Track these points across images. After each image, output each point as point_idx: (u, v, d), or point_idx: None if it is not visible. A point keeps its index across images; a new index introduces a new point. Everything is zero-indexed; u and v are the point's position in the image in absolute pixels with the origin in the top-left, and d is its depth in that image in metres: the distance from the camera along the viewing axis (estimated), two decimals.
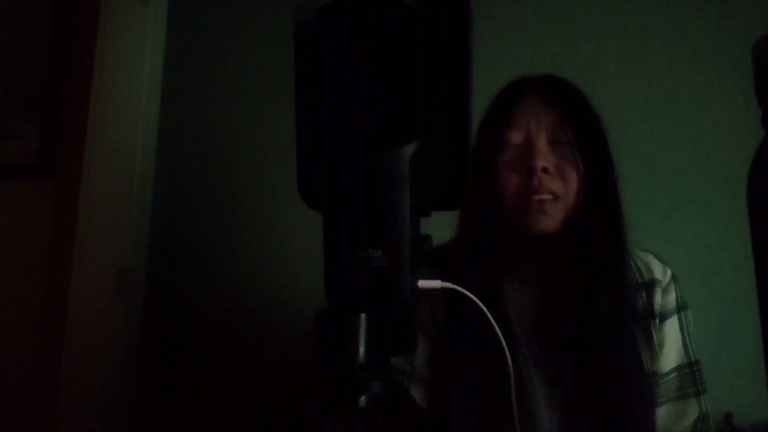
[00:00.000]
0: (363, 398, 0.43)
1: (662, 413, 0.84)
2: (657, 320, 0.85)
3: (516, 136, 0.83)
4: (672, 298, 0.87)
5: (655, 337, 0.84)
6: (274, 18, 1.39)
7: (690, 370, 0.85)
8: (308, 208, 0.47)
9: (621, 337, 0.80)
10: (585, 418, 0.79)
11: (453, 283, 0.50)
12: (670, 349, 0.85)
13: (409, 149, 0.42)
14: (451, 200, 0.46)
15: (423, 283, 0.46)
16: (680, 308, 0.87)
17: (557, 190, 0.81)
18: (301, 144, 0.47)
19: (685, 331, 0.86)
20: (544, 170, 0.80)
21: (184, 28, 1.46)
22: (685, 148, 1.31)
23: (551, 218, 0.81)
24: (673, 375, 0.85)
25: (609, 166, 0.85)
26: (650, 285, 0.86)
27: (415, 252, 0.43)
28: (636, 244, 0.90)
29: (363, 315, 0.43)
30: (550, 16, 1.37)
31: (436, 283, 0.49)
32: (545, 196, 0.80)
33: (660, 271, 0.88)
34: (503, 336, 0.54)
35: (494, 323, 0.52)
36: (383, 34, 0.43)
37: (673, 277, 0.88)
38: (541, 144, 0.81)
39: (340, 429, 0.43)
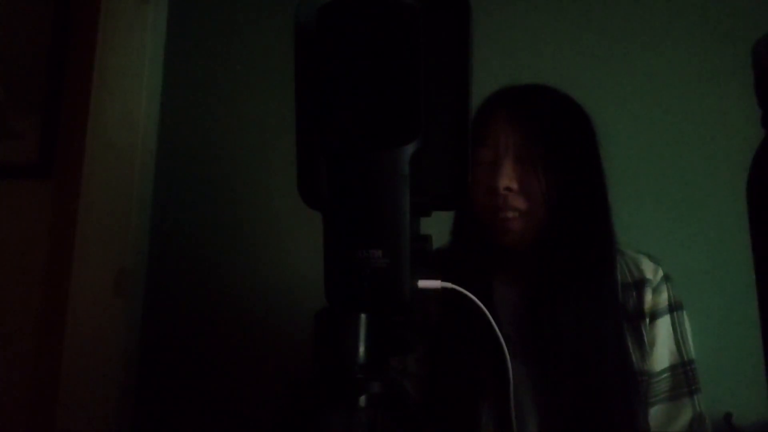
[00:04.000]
0: (363, 398, 0.43)
1: (655, 413, 0.84)
2: (647, 320, 0.86)
3: (486, 154, 0.84)
4: (663, 298, 0.87)
5: (645, 337, 0.85)
6: (274, 18, 1.39)
7: (683, 371, 0.85)
8: (308, 208, 0.47)
9: (598, 337, 0.81)
10: (568, 416, 0.79)
11: (452, 284, 0.50)
12: (662, 348, 0.85)
13: (409, 149, 0.42)
14: (451, 200, 0.47)
15: (423, 283, 0.46)
16: (672, 308, 0.87)
17: (521, 207, 0.82)
18: (301, 144, 0.47)
19: (678, 331, 0.87)
20: (508, 189, 0.82)
21: (184, 28, 1.45)
22: (686, 148, 1.31)
23: (515, 234, 0.83)
24: (666, 375, 0.85)
25: (589, 176, 0.86)
26: (640, 284, 0.87)
27: (415, 252, 0.43)
28: (631, 246, 0.90)
29: (363, 315, 0.43)
30: (549, 17, 1.37)
31: (436, 283, 0.49)
32: (510, 214, 0.82)
33: (651, 271, 0.88)
34: (496, 335, 0.54)
35: (494, 324, 0.53)
36: (383, 34, 0.43)
37: (666, 276, 0.89)
38: (507, 163, 0.82)
39: (340, 429, 0.43)
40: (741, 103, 1.23)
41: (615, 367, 0.81)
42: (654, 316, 0.86)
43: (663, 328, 0.86)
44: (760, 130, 0.40)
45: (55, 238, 1.37)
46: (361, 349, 0.43)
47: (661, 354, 0.85)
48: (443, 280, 0.49)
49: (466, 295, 0.51)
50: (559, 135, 0.85)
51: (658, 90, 1.33)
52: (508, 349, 0.72)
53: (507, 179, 0.81)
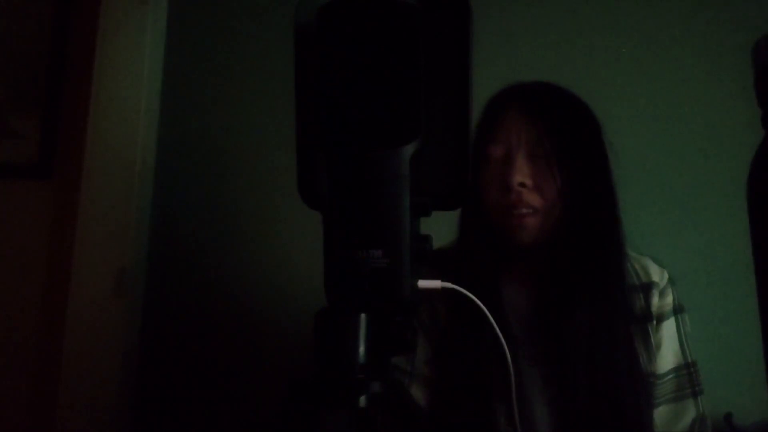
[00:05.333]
0: (363, 398, 0.43)
1: (660, 414, 0.84)
2: (654, 322, 0.86)
3: (497, 150, 0.84)
4: (669, 300, 0.88)
5: (652, 339, 0.85)
6: (274, 18, 1.39)
7: (687, 372, 0.86)
8: (308, 208, 0.47)
9: (611, 338, 0.81)
10: (578, 417, 0.79)
11: (453, 284, 0.50)
12: (668, 350, 0.86)
13: (409, 149, 0.42)
14: (451, 200, 0.46)
15: (423, 283, 0.46)
16: (677, 310, 0.88)
17: (535, 204, 0.82)
18: (301, 144, 0.47)
19: (682, 333, 0.87)
20: (522, 185, 0.81)
21: (184, 28, 1.45)
22: (685, 148, 1.31)
23: (530, 231, 0.82)
24: (671, 376, 0.85)
25: (598, 173, 0.85)
26: (647, 287, 0.87)
27: (415, 252, 0.43)
28: (634, 248, 0.90)
29: (363, 315, 0.43)
30: (550, 17, 1.37)
31: (436, 283, 0.49)
32: (524, 210, 0.81)
33: (657, 274, 0.89)
34: (502, 336, 0.54)
35: (494, 323, 0.53)
36: (383, 34, 0.43)
37: (670, 280, 0.89)
38: (520, 158, 0.82)
39: (340, 429, 0.43)
40: (741, 103, 1.23)
41: (626, 368, 0.81)
42: (660, 318, 0.87)
43: (668, 330, 0.87)
44: (760, 130, 0.40)
45: (55, 238, 1.37)
46: (361, 349, 0.43)
47: (667, 356, 0.86)
48: (451, 280, 0.49)
49: (466, 296, 0.51)
50: (570, 132, 0.84)
51: (657, 90, 1.33)
52: (515, 350, 0.72)
53: (521, 174, 0.81)
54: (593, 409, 0.79)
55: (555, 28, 1.37)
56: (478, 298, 0.51)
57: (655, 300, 0.87)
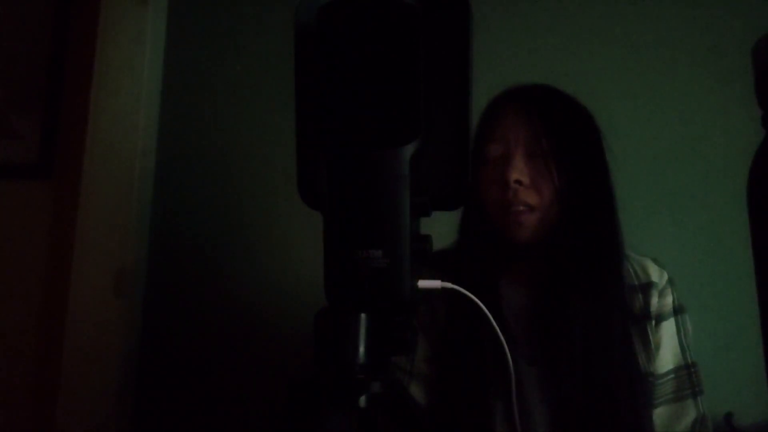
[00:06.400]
0: (363, 398, 0.43)
1: (660, 414, 0.85)
2: (653, 322, 0.86)
3: (496, 149, 0.85)
4: (668, 301, 0.88)
5: (651, 339, 0.85)
6: (274, 18, 1.39)
7: (687, 372, 0.86)
8: (308, 208, 0.47)
9: (608, 338, 0.81)
10: (575, 416, 0.80)
11: (453, 284, 0.50)
12: (667, 350, 0.86)
13: (409, 149, 0.42)
14: (451, 200, 0.47)
15: (423, 283, 0.46)
16: (677, 311, 0.88)
17: (532, 202, 0.82)
18: (301, 144, 0.47)
19: (682, 334, 0.88)
20: (519, 182, 0.82)
21: (184, 28, 1.46)
22: (686, 148, 1.31)
23: (527, 229, 0.83)
24: (670, 377, 0.86)
25: (596, 174, 0.86)
26: (647, 287, 0.88)
27: (415, 252, 0.43)
28: (635, 249, 0.90)
29: (363, 315, 0.43)
30: (550, 17, 1.37)
31: (436, 283, 0.49)
32: (521, 208, 0.82)
33: (657, 275, 0.89)
34: (502, 336, 0.54)
35: (494, 323, 0.53)
36: (383, 34, 0.43)
37: (670, 280, 0.90)
38: (518, 157, 0.83)
39: (340, 429, 0.43)
40: (741, 104, 1.23)
41: (622, 367, 0.82)
42: (659, 318, 0.87)
43: (668, 330, 0.87)
44: (760, 130, 0.40)
45: (55, 238, 1.37)
46: (361, 349, 0.43)
47: (666, 356, 0.86)
48: (450, 279, 0.49)
49: (466, 296, 0.51)
50: (568, 132, 0.85)
51: (657, 91, 1.33)
52: (513, 349, 0.72)
53: (517, 172, 0.82)
54: (590, 408, 0.79)
55: (555, 28, 1.37)
56: (477, 298, 0.51)
57: (654, 300, 0.87)
